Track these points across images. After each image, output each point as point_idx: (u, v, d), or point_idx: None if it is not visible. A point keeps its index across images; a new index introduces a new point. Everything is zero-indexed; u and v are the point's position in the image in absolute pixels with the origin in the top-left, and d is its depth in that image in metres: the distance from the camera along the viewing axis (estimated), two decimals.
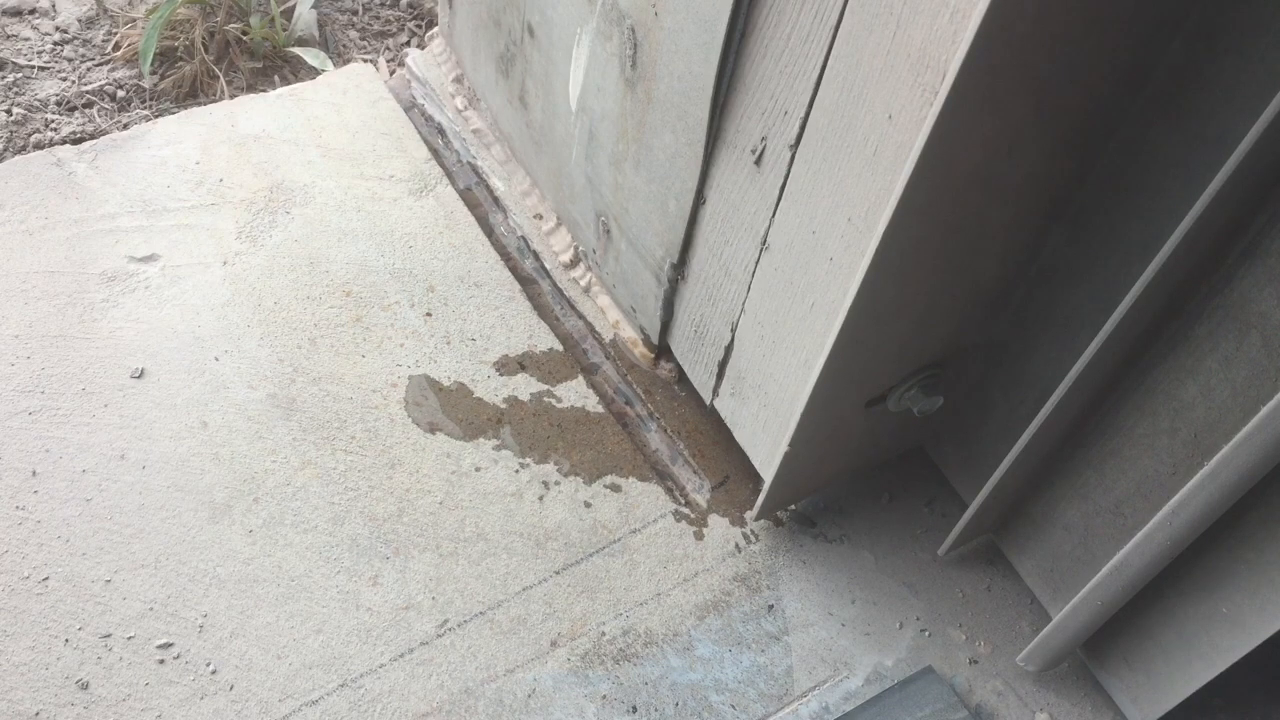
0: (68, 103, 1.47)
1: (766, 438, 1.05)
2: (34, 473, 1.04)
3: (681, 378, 1.21)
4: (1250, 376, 0.78)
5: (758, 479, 1.07)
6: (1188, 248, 0.74)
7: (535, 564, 1.06)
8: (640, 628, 1.04)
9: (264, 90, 1.49)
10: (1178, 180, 0.77)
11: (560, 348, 1.23)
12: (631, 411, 1.20)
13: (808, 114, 0.81)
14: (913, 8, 0.67)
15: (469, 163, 1.41)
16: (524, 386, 1.19)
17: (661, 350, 1.21)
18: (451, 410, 1.15)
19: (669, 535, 1.11)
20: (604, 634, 1.03)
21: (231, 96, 1.50)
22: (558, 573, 1.06)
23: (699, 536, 1.11)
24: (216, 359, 1.14)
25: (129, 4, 1.60)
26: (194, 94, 1.52)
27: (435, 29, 1.51)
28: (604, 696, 0.99)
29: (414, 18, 1.70)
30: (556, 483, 1.12)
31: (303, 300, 1.21)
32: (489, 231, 1.34)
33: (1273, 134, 0.67)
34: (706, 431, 1.19)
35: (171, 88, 1.51)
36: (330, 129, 1.40)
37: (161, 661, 0.96)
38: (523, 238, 1.34)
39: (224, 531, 1.03)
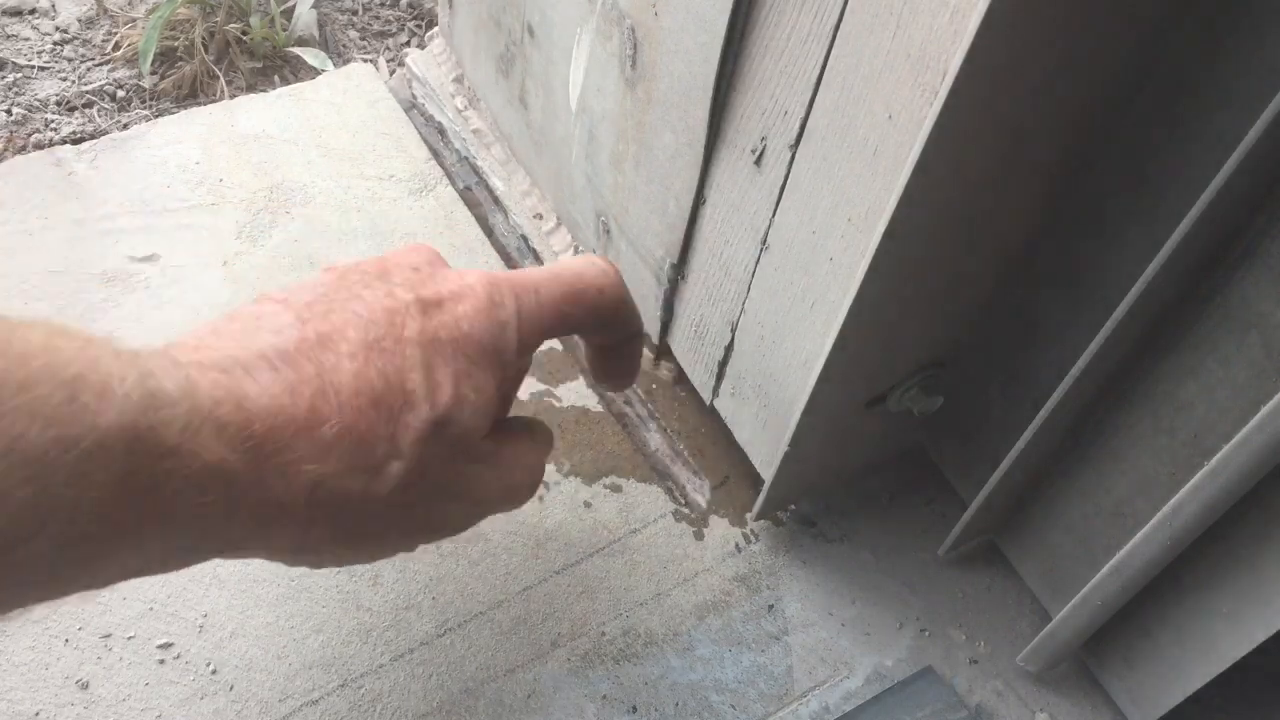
0: (68, 103, 1.47)
1: (766, 438, 1.05)
2: None
3: (681, 378, 1.21)
4: (1250, 376, 0.78)
5: (758, 479, 1.07)
6: (1188, 248, 0.74)
7: (535, 564, 1.06)
8: (640, 628, 1.04)
9: (264, 90, 1.49)
10: (1178, 180, 0.77)
11: (560, 347, 1.23)
12: (631, 411, 1.20)
13: (808, 114, 0.81)
14: (913, 8, 0.67)
15: (469, 162, 1.41)
16: (524, 387, 1.19)
17: (661, 350, 1.21)
18: None
19: (669, 535, 1.11)
20: (604, 634, 1.03)
21: (231, 96, 1.49)
22: (558, 573, 1.06)
23: (699, 536, 1.11)
24: None
25: (129, 4, 1.60)
26: (194, 94, 1.52)
27: (435, 29, 1.51)
28: (604, 696, 0.99)
29: (414, 18, 1.70)
30: (556, 483, 1.12)
31: None
32: (489, 231, 1.34)
33: (1273, 134, 0.67)
34: (706, 431, 1.19)
35: (171, 88, 1.51)
36: (330, 129, 1.40)
37: (161, 661, 0.96)
38: (523, 237, 1.34)
39: None
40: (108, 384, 0.48)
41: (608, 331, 0.82)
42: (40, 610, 0.93)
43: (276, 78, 1.56)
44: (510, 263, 1.31)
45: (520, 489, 0.77)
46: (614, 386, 0.98)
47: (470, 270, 0.72)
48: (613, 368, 0.89)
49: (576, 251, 1.29)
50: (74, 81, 1.49)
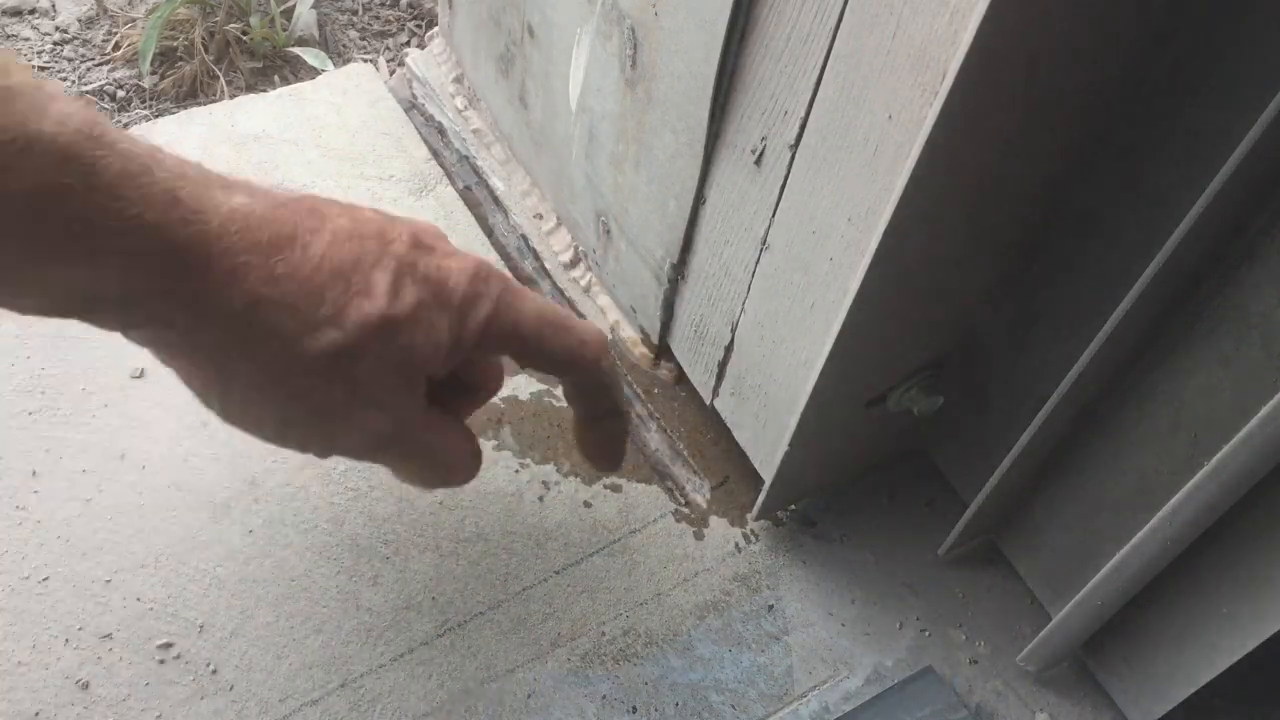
0: None
1: (766, 438, 1.05)
2: (34, 473, 1.04)
3: (681, 378, 1.21)
4: (1250, 376, 0.78)
5: (758, 479, 1.07)
6: (1188, 248, 0.74)
7: (535, 564, 1.06)
8: (640, 628, 1.04)
9: (264, 90, 1.50)
10: (1178, 180, 0.77)
11: None
12: (631, 411, 1.20)
13: (808, 114, 0.81)
14: (913, 8, 0.67)
15: (469, 162, 1.41)
16: (524, 386, 1.19)
17: (661, 350, 1.21)
18: None
19: (669, 535, 1.11)
20: (604, 634, 1.03)
21: (231, 96, 1.49)
22: (558, 573, 1.06)
23: (699, 536, 1.11)
24: None
25: (129, 4, 1.60)
26: (194, 94, 1.52)
27: (435, 29, 1.51)
28: (604, 696, 0.99)
29: (414, 18, 1.70)
30: (556, 483, 1.12)
31: None
32: (489, 231, 1.34)
33: (1273, 134, 0.67)
34: (706, 431, 1.19)
35: (171, 88, 1.51)
36: (330, 129, 1.40)
37: (161, 661, 0.96)
38: (523, 237, 1.34)
39: (224, 531, 1.03)
40: (45, 105, 0.51)
41: (579, 384, 0.85)
42: (40, 609, 0.93)
43: (276, 78, 1.56)
44: (510, 262, 1.31)
45: (434, 461, 0.79)
46: (598, 464, 0.97)
47: (467, 253, 0.74)
48: (594, 442, 0.92)
49: (577, 251, 1.29)
50: (74, 81, 1.49)
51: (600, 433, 0.91)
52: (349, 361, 0.66)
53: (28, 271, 0.55)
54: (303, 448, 0.74)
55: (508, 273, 0.80)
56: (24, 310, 0.58)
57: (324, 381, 0.66)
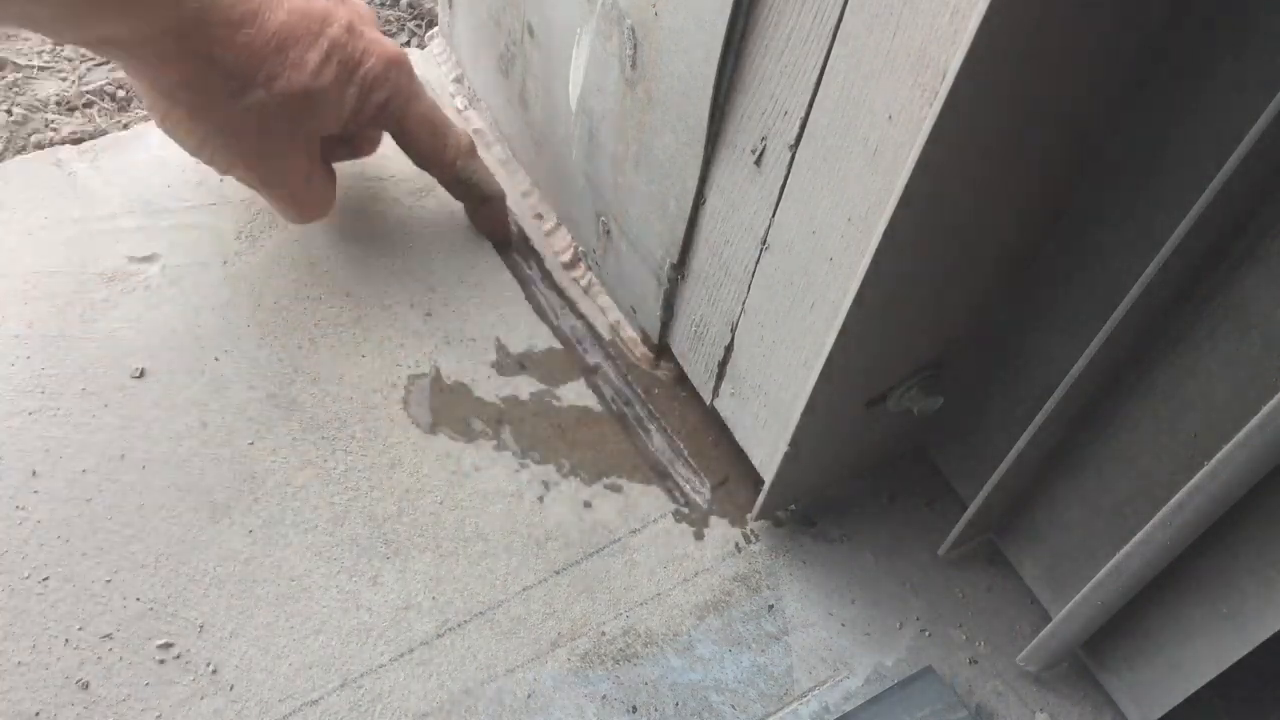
0: (68, 103, 1.47)
1: (767, 438, 1.05)
2: (34, 473, 1.04)
3: (681, 378, 1.21)
4: (1250, 376, 0.78)
5: (758, 479, 1.07)
6: (1188, 247, 0.74)
7: (535, 564, 1.06)
8: (640, 628, 1.04)
9: None
10: (1178, 180, 0.77)
11: (560, 348, 1.23)
12: (631, 412, 1.20)
13: (808, 114, 0.81)
14: (913, 8, 0.67)
15: None
16: (524, 386, 1.19)
17: (661, 350, 1.21)
18: (451, 410, 1.15)
19: (669, 535, 1.11)
20: (604, 634, 1.03)
21: None
22: (558, 573, 1.06)
23: (699, 536, 1.11)
24: (216, 359, 1.14)
25: None
26: None
27: (435, 29, 1.51)
28: (604, 696, 0.99)
29: (414, 18, 1.70)
30: (556, 483, 1.12)
31: (302, 300, 1.21)
32: None
33: (1273, 134, 0.67)
34: (706, 431, 1.19)
35: None
36: None
37: (161, 661, 0.96)
38: (523, 237, 1.34)
39: (224, 531, 1.04)
40: None
41: (443, 179, 1.20)
42: (40, 609, 0.94)
43: None
44: (510, 261, 1.31)
45: (299, 202, 1.08)
46: (490, 238, 1.28)
47: (392, 44, 1.01)
48: (479, 223, 1.27)
49: (577, 251, 1.29)
50: (74, 81, 1.49)
51: (480, 217, 1.25)
52: (266, 116, 0.91)
53: (88, 25, 0.78)
54: (210, 163, 0.99)
55: (412, 68, 1.05)
56: (64, 41, 0.84)
57: (241, 125, 0.91)
